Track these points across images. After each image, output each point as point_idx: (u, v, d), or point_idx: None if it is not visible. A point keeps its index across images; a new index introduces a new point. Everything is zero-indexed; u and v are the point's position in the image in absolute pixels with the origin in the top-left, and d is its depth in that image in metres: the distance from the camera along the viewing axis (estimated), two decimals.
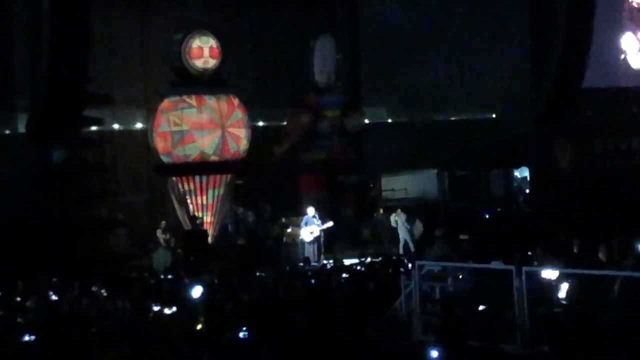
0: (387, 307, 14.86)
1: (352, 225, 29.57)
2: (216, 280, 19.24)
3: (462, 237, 25.48)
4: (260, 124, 33.17)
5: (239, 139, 28.61)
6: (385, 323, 13.85)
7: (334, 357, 11.89)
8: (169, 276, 21.79)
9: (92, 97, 26.98)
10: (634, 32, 31.88)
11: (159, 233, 27.99)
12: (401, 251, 27.00)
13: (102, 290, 18.16)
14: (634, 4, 32.02)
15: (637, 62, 31.84)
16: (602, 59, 29.97)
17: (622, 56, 31.55)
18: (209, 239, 27.76)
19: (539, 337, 12.35)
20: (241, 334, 12.11)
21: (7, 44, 28.68)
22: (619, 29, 31.52)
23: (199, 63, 28.46)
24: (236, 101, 28.79)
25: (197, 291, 16.68)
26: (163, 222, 28.41)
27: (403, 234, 27.70)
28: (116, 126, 32.04)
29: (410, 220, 28.38)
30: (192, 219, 27.75)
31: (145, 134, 29.77)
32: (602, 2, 28.81)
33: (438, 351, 11.20)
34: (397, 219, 27.87)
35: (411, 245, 27.30)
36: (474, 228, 27.18)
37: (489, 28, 33.75)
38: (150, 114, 29.38)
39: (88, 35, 25.17)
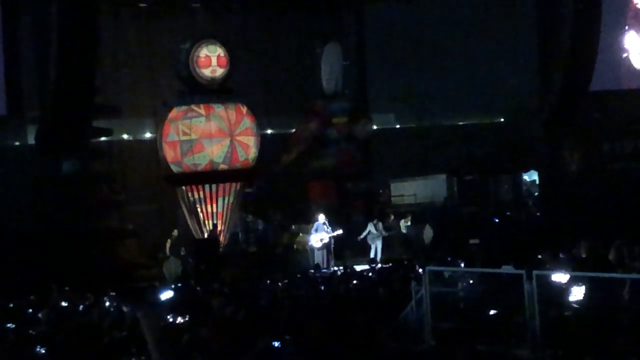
0: (398, 313, 14.88)
1: (362, 231, 29.60)
2: (226, 289, 19.24)
3: (472, 241, 25.49)
4: (269, 131, 33.22)
5: (248, 147, 28.66)
6: (396, 329, 13.86)
7: None
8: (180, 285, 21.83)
9: (101, 108, 27.05)
10: (638, 32, 31.84)
11: (168, 242, 28.05)
12: (372, 256, 27.10)
13: (114, 301, 18.19)
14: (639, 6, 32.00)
15: (639, 61, 31.83)
16: (607, 62, 29.95)
17: (625, 55, 31.47)
18: (220, 247, 27.80)
19: (550, 341, 12.36)
20: (275, 344, 12.14)
21: (15, 55, 28.76)
22: (623, 31, 31.49)
23: (206, 72, 28.53)
24: (244, 109, 28.84)
25: (166, 295, 16.72)
26: (175, 232, 28.48)
27: (375, 242, 27.74)
28: (125, 136, 32.15)
29: (418, 226, 28.49)
30: (213, 227, 27.95)
31: (154, 143, 29.83)
32: (606, 5, 28.80)
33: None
34: (373, 227, 27.91)
35: (379, 254, 27.36)
36: (484, 233, 27.18)
37: (497, 33, 33.73)
38: (158, 124, 29.44)
39: (96, 46, 25.27)
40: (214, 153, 28.05)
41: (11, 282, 21.28)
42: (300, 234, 28.07)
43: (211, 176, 28.35)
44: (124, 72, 31.36)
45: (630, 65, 31.71)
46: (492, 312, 13.64)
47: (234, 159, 28.29)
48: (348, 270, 22.87)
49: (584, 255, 17.65)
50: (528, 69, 31.92)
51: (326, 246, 26.71)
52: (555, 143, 30.30)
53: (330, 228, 26.83)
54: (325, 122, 31.32)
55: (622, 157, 30.73)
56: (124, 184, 29.56)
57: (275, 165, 31.40)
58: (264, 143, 29.82)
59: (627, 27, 31.58)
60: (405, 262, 23.36)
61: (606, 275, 13.40)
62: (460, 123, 36.91)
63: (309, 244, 26.97)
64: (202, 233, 28.57)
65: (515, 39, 33.02)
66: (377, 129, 33.73)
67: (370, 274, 21.28)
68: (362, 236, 27.90)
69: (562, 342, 12.09)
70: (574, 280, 13.53)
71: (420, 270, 17.54)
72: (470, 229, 28.01)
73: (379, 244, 27.68)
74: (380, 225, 28.00)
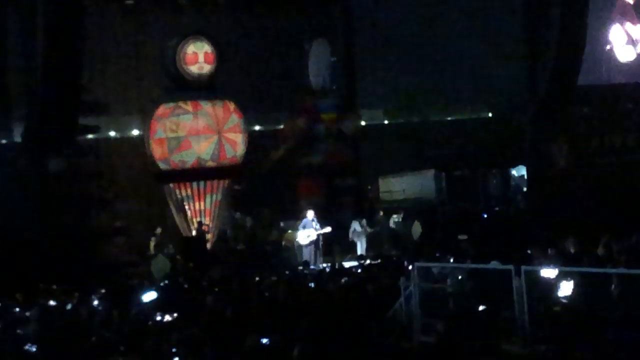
0: (387, 309, 14.85)
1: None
2: (215, 287, 19.19)
3: (461, 237, 25.47)
4: (257, 128, 33.12)
5: (236, 144, 28.59)
6: (385, 325, 13.83)
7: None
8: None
9: (88, 105, 26.91)
10: (622, 25, 31.85)
11: (152, 241, 27.88)
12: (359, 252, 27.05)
13: (102, 299, 18.14)
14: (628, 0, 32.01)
15: (623, 54, 31.83)
16: (594, 56, 29.97)
17: (608, 47, 31.46)
18: (208, 245, 27.73)
19: (540, 336, 12.35)
20: (264, 341, 12.13)
21: (1, 53, 28.64)
22: (608, 25, 31.50)
23: (194, 69, 28.46)
24: (232, 106, 28.76)
25: (149, 296, 16.70)
26: (158, 229, 28.33)
27: (360, 238, 27.68)
28: (112, 133, 32.01)
29: (407, 222, 28.48)
30: (199, 225, 27.87)
31: (141, 140, 29.72)
32: (593, 0, 28.83)
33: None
34: (358, 224, 27.84)
35: (364, 251, 27.30)
36: (473, 228, 27.16)
37: (485, 28, 33.72)
38: (146, 121, 29.33)
39: (82, 43, 25.18)
40: (201, 150, 27.97)
41: None
42: (289, 231, 27.99)
43: (199, 173, 28.28)
44: (111, 69, 31.25)
45: (614, 58, 31.69)
46: (481, 307, 13.64)
47: (221, 156, 28.23)
48: (337, 267, 22.81)
49: (572, 251, 17.70)
50: (516, 64, 31.89)
51: (314, 243, 26.62)
52: (543, 138, 30.28)
53: (318, 224, 26.74)
54: (313, 119, 31.28)
55: (610, 152, 30.73)
56: (111, 181, 29.40)
57: (264, 162, 31.32)
58: (252, 140, 29.74)
59: (612, 21, 31.54)
60: (394, 259, 23.33)
61: (594, 270, 13.41)
62: (449, 119, 36.90)
63: (296, 240, 26.90)
64: (190, 231, 28.52)
65: (502, 34, 33.01)
66: (365, 125, 33.70)
67: (359, 271, 21.22)
68: (350, 236, 27.86)
69: (552, 337, 12.08)
70: (562, 276, 13.55)
71: (409, 266, 17.50)
72: (459, 224, 27.96)
73: (363, 241, 27.64)
74: (364, 221, 27.99)
